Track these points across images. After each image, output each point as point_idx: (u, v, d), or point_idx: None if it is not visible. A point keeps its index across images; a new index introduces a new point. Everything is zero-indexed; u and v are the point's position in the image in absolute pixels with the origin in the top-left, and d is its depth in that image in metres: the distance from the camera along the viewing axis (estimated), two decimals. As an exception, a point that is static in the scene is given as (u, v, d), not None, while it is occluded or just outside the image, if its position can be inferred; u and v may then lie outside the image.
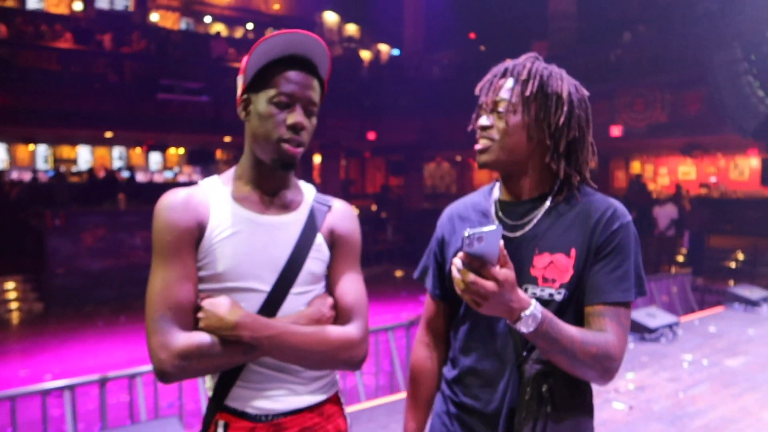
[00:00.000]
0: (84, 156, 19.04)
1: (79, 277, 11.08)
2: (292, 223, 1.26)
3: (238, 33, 20.95)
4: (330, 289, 1.30)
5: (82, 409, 4.06)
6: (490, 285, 1.01)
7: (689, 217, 11.52)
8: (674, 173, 19.67)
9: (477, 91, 1.31)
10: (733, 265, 12.14)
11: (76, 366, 7.52)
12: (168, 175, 19.64)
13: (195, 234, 1.19)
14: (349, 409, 1.51)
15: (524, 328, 1.08)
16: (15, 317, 11.17)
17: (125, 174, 17.42)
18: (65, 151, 18.65)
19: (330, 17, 23.97)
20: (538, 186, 1.30)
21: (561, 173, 1.27)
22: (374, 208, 19.63)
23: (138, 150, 19.32)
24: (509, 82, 1.26)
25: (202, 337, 1.13)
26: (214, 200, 1.23)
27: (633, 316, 5.91)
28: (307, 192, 1.34)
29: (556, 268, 1.22)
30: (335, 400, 1.31)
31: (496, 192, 1.37)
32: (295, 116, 1.20)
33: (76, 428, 3.70)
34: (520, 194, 1.31)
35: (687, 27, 11.21)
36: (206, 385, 1.26)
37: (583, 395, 1.26)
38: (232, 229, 1.20)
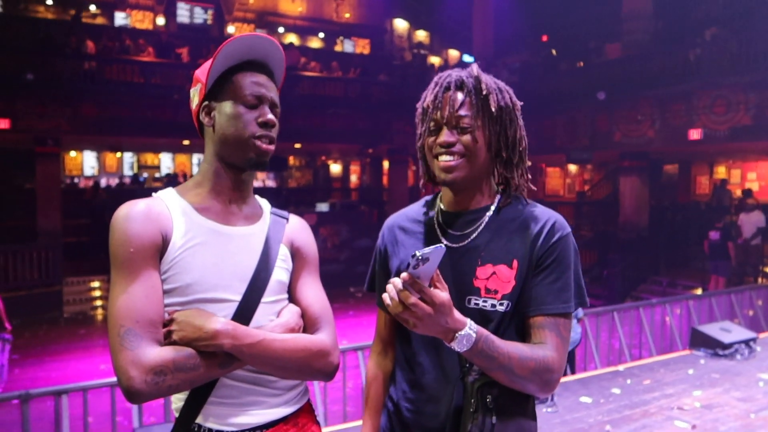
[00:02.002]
0: (165, 162, 20.10)
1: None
2: (255, 234, 1.26)
3: (312, 42, 21.50)
4: (294, 300, 1.30)
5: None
6: (428, 308, 1.04)
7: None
8: (765, 178, 18.40)
9: (426, 104, 1.30)
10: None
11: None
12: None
13: (159, 245, 1.15)
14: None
15: (459, 347, 1.10)
16: (99, 314, 11.93)
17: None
18: (149, 158, 19.76)
19: (400, 24, 24.12)
20: (483, 198, 1.31)
21: (514, 183, 1.29)
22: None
23: (215, 157, 20.18)
24: (467, 97, 1.25)
25: (176, 351, 1.09)
26: (175, 211, 1.20)
27: (706, 330, 5.60)
28: (264, 205, 1.35)
29: (498, 279, 1.23)
30: (308, 409, 1.31)
31: (438, 202, 1.37)
32: (266, 114, 1.22)
33: (141, 420, 3.92)
34: (465, 205, 1.31)
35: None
36: (173, 406, 1.21)
37: (526, 402, 1.27)
38: (196, 239, 1.18)
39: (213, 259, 1.18)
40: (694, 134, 11.58)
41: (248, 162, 1.23)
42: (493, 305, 1.22)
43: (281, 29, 21.10)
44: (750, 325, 7.26)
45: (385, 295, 1.07)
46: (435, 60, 22.54)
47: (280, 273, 1.27)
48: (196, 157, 20.40)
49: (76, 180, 17.94)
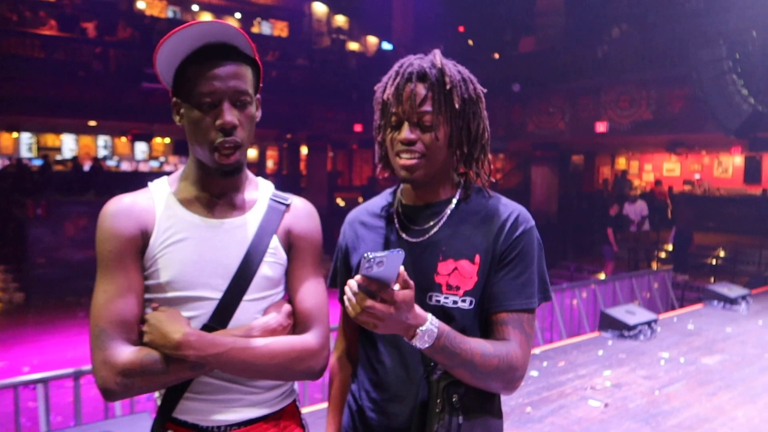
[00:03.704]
0: (68, 144, 18.80)
1: (61, 267, 10.97)
2: (244, 226, 1.19)
3: (228, 22, 20.74)
4: (289, 294, 1.25)
5: (59, 402, 4.03)
6: (386, 308, 0.99)
7: (675, 213, 11.60)
8: (659, 170, 19.84)
9: (386, 96, 1.22)
10: (714, 262, 12.28)
11: (56, 357, 7.46)
12: (154, 164, 19.46)
13: (138, 243, 1.12)
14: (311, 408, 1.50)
15: (420, 343, 1.06)
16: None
17: (111, 163, 17.30)
18: (49, 139, 18.41)
19: (319, 8, 23.79)
20: (445, 191, 1.28)
21: (474, 177, 1.25)
22: (361, 200, 19.61)
23: (123, 139, 19.12)
24: (429, 91, 1.19)
25: (145, 354, 1.07)
26: (159, 205, 1.16)
27: (612, 313, 5.96)
28: (264, 190, 1.27)
29: (460, 275, 1.20)
30: (292, 411, 1.26)
31: (399, 196, 1.34)
32: (223, 115, 1.10)
33: (49, 421, 3.67)
34: (426, 198, 1.27)
35: (673, 25, 11.26)
36: (155, 395, 1.19)
37: (492, 399, 1.25)
38: (178, 235, 1.14)
39: (193, 255, 1.13)
40: (601, 127, 12.27)
41: (214, 169, 1.15)
42: (455, 302, 1.19)
43: (195, 7, 20.23)
44: (648, 307, 7.83)
45: (345, 298, 1.04)
46: (354, 46, 22.44)
47: (269, 267, 1.19)
48: (102, 139, 19.24)
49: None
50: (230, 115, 1.11)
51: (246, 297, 1.16)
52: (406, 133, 1.19)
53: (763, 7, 9.64)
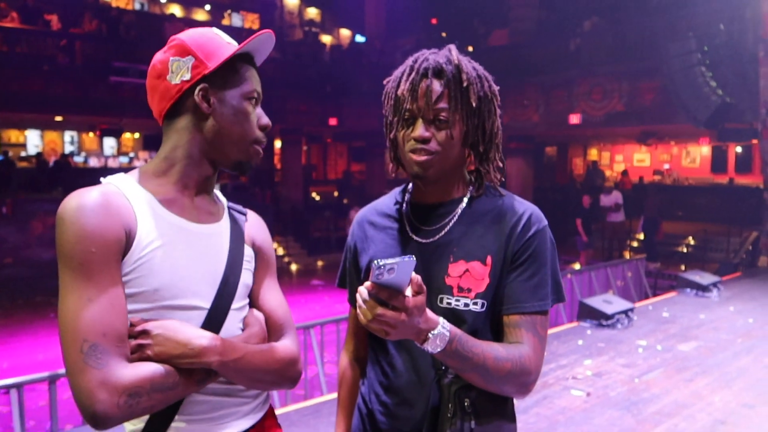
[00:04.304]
0: (33, 140, 18.28)
1: (29, 267, 10.68)
2: (222, 232, 1.15)
3: (198, 15, 20.39)
4: (256, 304, 1.20)
5: (30, 406, 3.91)
6: (398, 315, 0.96)
7: (643, 203, 11.83)
8: (630, 160, 20.20)
9: (400, 92, 1.18)
10: (684, 250, 12.56)
11: (27, 360, 7.27)
12: (123, 160, 19.06)
13: (122, 244, 0.99)
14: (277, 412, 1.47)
15: (432, 348, 1.03)
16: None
17: (78, 159, 16.88)
18: (13, 135, 17.87)
19: (290, 0, 23.53)
20: (456, 190, 1.25)
21: (491, 177, 1.23)
22: (336, 194, 19.53)
23: (91, 134, 18.68)
24: (446, 88, 1.16)
25: (154, 368, 0.95)
26: (136, 203, 1.04)
27: (590, 302, 6.04)
28: (222, 199, 1.23)
29: (471, 276, 1.17)
30: (271, 413, 1.24)
31: (409, 195, 1.31)
32: (264, 117, 1.14)
33: (24, 427, 3.56)
34: (437, 197, 1.24)
35: (643, 18, 11.43)
36: (127, 429, 1.05)
37: (505, 403, 1.22)
38: (164, 237, 1.03)
39: (182, 261, 1.04)
40: (574, 119, 12.41)
41: (238, 164, 1.12)
42: (467, 304, 1.16)
43: (163, -1, 19.82)
44: (623, 295, 7.96)
45: (357, 306, 1.00)
46: (327, 39, 22.27)
47: (247, 276, 1.16)
48: (68, 135, 18.76)
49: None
50: (267, 118, 1.15)
51: (233, 305, 1.11)
52: (420, 130, 1.16)
53: (730, 0, 9.84)
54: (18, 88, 11.89)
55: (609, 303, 6.09)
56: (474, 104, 1.17)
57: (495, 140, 1.23)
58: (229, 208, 1.22)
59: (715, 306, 6.69)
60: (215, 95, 1.09)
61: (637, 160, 19.97)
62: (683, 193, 15.96)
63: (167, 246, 1.03)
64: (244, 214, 1.24)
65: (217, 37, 1.13)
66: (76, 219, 0.96)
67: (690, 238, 12.95)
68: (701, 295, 7.14)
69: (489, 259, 1.17)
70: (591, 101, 12.13)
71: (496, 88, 1.24)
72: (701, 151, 18.16)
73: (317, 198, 19.18)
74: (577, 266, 11.16)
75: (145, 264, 1.00)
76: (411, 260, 0.94)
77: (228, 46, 1.12)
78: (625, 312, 5.99)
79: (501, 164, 1.25)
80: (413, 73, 1.18)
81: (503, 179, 1.27)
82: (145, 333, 0.98)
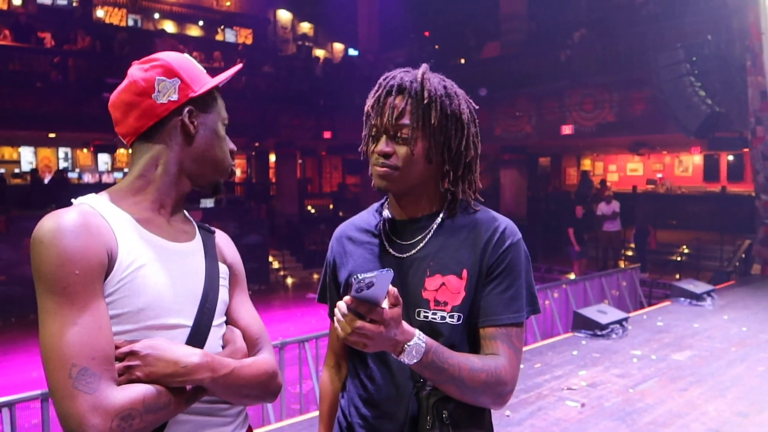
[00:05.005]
0: (26, 157, 18.25)
1: (22, 285, 10.60)
2: (197, 251, 1.16)
3: (191, 30, 20.47)
4: (231, 320, 1.20)
5: (22, 424, 3.88)
6: (376, 328, 0.99)
7: (633, 212, 11.89)
8: (623, 170, 20.30)
9: (367, 108, 1.24)
10: (678, 259, 12.60)
11: (20, 378, 7.21)
12: (117, 176, 19.05)
13: (105, 265, 0.98)
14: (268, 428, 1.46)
15: (408, 359, 1.06)
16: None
17: (72, 175, 16.85)
18: (6, 152, 17.84)
19: (283, 15, 23.67)
20: (430, 205, 1.27)
21: (459, 195, 1.24)
22: (331, 207, 19.54)
23: (85, 150, 18.67)
24: (409, 104, 1.19)
25: (145, 389, 0.95)
26: (115, 223, 1.03)
27: (585, 312, 6.05)
28: (191, 218, 1.25)
29: (447, 290, 1.19)
30: (250, 430, 1.24)
31: (386, 210, 1.33)
32: (231, 143, 1.20)
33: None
34: (412, 213, 1.27)
35: (632, 29, 11.55)
36: None
37: (482, 414, 1.24)
38: (144, 257, 1.04)
39: (165, 280, 1.04)
40: (566, 129, 12.49)
41: (215, 185, 1.18)
42: (443, 317, 1.18)
43: (157, 15, 19.92)
44: (617, 305, 7.97)
45: (335, 320, 1.03)
46: (320, 53, 22.39)
47: (224, 292, 1.18)
48: (62, 151, 18.74)
49: None
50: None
51: (214, 322, 1.12)
52: (382, 145, 1.21)
53: (717, 11, 9.96)
54: (11, 105, 11.89)
55: (603, 313, 6.10)
56: (434, 122, 1.19)
57: (464, 159, 1.24)
58: (198, 226, 1.23)
59: (709, 315, 6.71)
60: (198, 118, 1.12)
61: (630, 169, 20.07)
62: (676, 201, 16.04)
63: (148, 266, 1.03)
64: (213, 232, 1.25)
65: (195, 63, 1.18)
66: (56, 241, 0.94)
67: (684, 246, 12.99)
68: (695, 304, 7.16)
69: (465, 273, 1.19)
70: (582, 112, 12.21)
71: (465, 107, 1.24)
72: (693, 160, 18.26)
73: (313, 211, 19.19)
74: (572, 276, 11.19)
75: (128, 284, 1.00)
76: (389, 273, 0.97)
77: (204, 72, 1.18)
78: (620, 322, 6.00)
79: (473, 184, 1.27)
80: (380, 90, 1.22)
81: (477, 198, 1.28)
82: (132, 354, 0.97)
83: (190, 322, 1.07)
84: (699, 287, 7.47)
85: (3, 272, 10.58)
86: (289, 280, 14.81)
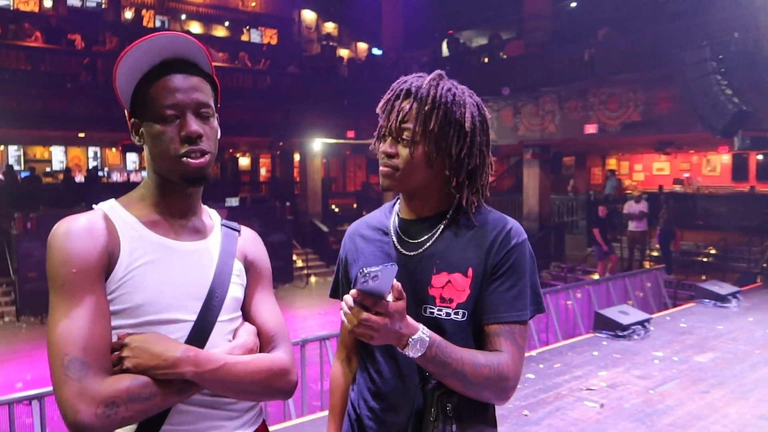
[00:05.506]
0: (58, 156, 18.71)
1: (53, 280, 10.89)
2: (207, 249, 1.19)
3: (217, 31, 20.73)
4: (248, 316, 1.24)
5: (54, 415, 4.01)
6: (381, 320, 1.04)
7: (657, 213, 11.73)
8: (649, 169, 20.01)
9: (377, 110, 1.30)
10: (705, 260, 12.38)
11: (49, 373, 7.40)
12: (145, 174, 19.43)
13: (104, 264, 1.06)
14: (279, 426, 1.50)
15: (412, 352, 1.10)
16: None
17: (101, 174, 17.21)
18: (38, 151, 18.31)
19: (308, 15, 23.83)
20: (438, 205, 1.31)
21: (463, 200, 1.28)
22: (355, 206, 19.62)
23: (113, 150, 19.06)
24: (413, 108, 1.24)
25: (130, 379, 1.00)
26: (121, 226, 1.11)
27: (606, 313, 6.01)
28: (215, 217, 1.29)
29: (453, 287, 1.23)
30: (263, 429, 1.25)
31: (397, 209, 1.38)
32: (187, 126, 1.10)
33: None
34: (420, 212, 1.32)
35: (658, 26, 11.36)
36: None
37: (486, 409, 1.27)
38: (147, 256, 1.10)
39: (165, 277, 1.10)
40: (590, 129, 12.34)
41: (182, 179, 1.13)
42: (448, 314, 1.22)
43: (183, 16, 20.21)
44: (642, 306, 7.89)
45: (341, 312, 1.08)
46: (344, 52, 22.48)
47: (236, 289, 1.21)
48: (92, 150, 19.16)
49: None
50: (195, 125, 1.11)
51: (219, 318, 1.15)
52: (386, 146, 1.27)
53: (745, 7, 9.76)
54: (42, 106, 12.22)
55: (625, 314, 6.06)
56: (432, 127, 1.23)
57: (466, 167, 1.26)
58: (222, 225, 1.27)
59: (734, 316, 6.61)
60: (142, 126, 1.14)
61: (657, 168, 19.77)
62: (703, 201, 15.74)
63: (149, 264, 1.09)
64: (238, 230, 1.29)
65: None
66: (60, 244, 1.05)
67: (711, 247, 12.76)
68: (720, 306, 7.05)
69: (470, 271, 1.23)
70: (607, 111, 12.06)
71: (471, 115, 1.26)
72: (721, 159, 17.92)
73: (336, 210, 19.30)
74: (595, 276, 11.08)
75: (128, 282, 1.07)
76: (393, 267, 1.01)
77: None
78: (642, 323, 5.95)
79: (478, 191, 1.30)
80: (390, 94, 1.28)
81: (481, 205, 1.31)
82: (125, 346, 1.04)
83: (193, 317, 1.12)
84: (724, 289, 7.36)
85: (34, 269, 10.87)
86: (313, 279, 14.94)
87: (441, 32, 20.77)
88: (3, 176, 14.69)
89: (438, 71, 1.30)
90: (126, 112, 1.17)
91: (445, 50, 19.25)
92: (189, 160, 1.11)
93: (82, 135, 14.86)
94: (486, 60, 16.37)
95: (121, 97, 1.15)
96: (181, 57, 1.13)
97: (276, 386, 1.15)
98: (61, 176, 15.49)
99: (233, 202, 14.59)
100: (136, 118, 1.15)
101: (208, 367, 1.05)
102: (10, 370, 8.00)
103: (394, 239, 1.32)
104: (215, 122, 1.17)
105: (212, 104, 1.17)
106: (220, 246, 1.22)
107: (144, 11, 18.98)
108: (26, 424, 3.78)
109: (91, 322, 1.01)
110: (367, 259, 1.34)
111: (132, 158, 19.57)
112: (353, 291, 1.04)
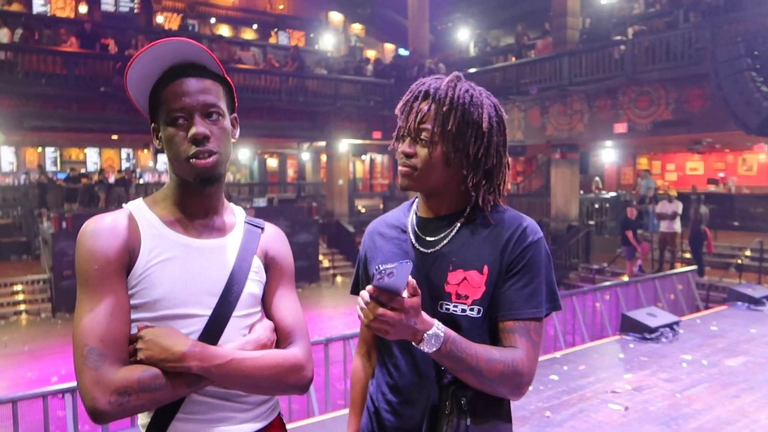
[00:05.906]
0: (92, 158, 19.23)
1: (87, 279, 11.19)
2: (227, 246, 1.23)
3: (246, 34, 21.01)
4: (268, 312, 1.27)
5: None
6: (397, 315, 1.06)
7: (688, 214, 11.49)
8: (682, 169, 19.56)
9: (396, 110, 1.32)
10: (740, 261, 12.06)
11: None
12: (175, 175, 19.81)
13: (125, 261, 1.12)
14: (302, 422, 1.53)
15: (427, 348, 1.12)
16: (23, 319, 11.32)
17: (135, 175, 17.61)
18: (73, 152, 18.84)
19: (335, 17, 23.99)
20: (455, 204, 1.33)
21: (480, 199, 1.29)
22: (381, 206, 19.68)
23: (145, 151, 19.49)
24: (432, 110, 1.26)
25: (142, 371, 1.06)
26: (143, 224, 1.17)
27: (634, 315, 5.91)
28: (239, 214, 1.32)
29: (469, 284, 1.25)
30: (278, 424, 1.28)
31: (415, 208, 1.40)
32: (194, 128, 1.14)
33: (77, 430, 3.77)
34: (438, 211, 1.34)
35: (688, 23, 11.12)
36: (139, 422, 1.18)
37: (500, 404, 1.28)
38: (166, 254, 1.15)
39: (182, 273, 1.15)
40: (620, 128, 12.14)
41: (195, 181, 1.18)
42: (464, 310, 1.24)
43: (213, 20, 20.56)
44: (672, 308, 7.74)
45: (357, 308, 1.10)
46: (370, 53, 22.57)
47: (253, 286, 1.23)
48: (124, 152, 19.63)
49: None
50: (201, 126, 1.14)
51: (235, 313, 1.18)
52: (405, 146, 1.30)
53: (782, 2, 9.50)
54: (77, 108, 12.57)
55: (653, 316, 5.95)
56: (450, 127, 1.25)
57: (483, 167, 1.28)
58: (246, 222, 1.31)
59: (768, 320, 6.43)
60: (160, 130, 1.19)
61: (690, 168, 19.32)
62: (739, 202, 15.34)
63: (167, 261, 1.15)
64: (261, 227, 1.32)
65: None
66: (86, 242, 1.12)
67: (746, 249, 12.43)
68: (753, 309, 6.87)
69: (486, 269, 1.25)
70: (636, 109, 11.85)
71: (489, 116, 1.28)
72: (758, 159, 17.43)
73: (363, 210, 19.39)
74: (624, 278, 10.90)
75: (147, 278, 1.13)
76: (408, 264, 1.04)
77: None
78: (670, 325, 5.84)
79: (495, 190, 1.31)
80: (410, 95, 1.31)
81: (497, 203, 1.33)
82: (139, 339, 1.10)
83: (209, 312, 1.16)
84: (758, 291, 7.16)
85: (69, 267, 11.19)
86: (339, 279, 15.03)
87: (468, 32, 20.68)
88: (39, 177, 15.15)
89: (456, 73, 1.32)
90: (147, 118, 1.23)
91: (472, 50, 19.17)
92: (196, 161, 1.15)
93: (115, 137, 15.25)
94: (513, 59, 16.24)
95: (137, 104, 1.20)
96: (189, 61, 1.17)
97: (287, 382, 1.17)
98: (95, 177, 15.90)
99: (261, 202, 14.78)
100: (155, 123, 1.20)
101: (213, 362, 1.09)
102: (46, 364, 8.25)
103: (412, 237, 1.35)
104: (225, 122, 1.19)
105: (222, 105, 1.19)
106: (240, 243, 1.25)
107: (175, 15, 19.35)
108: (59, 416, 3.90)
109: (110, 315, 1.08)
110: (386, 256, 1.37)
111: (163, 159, 19.96)
112: (369, 287, 1.07)
